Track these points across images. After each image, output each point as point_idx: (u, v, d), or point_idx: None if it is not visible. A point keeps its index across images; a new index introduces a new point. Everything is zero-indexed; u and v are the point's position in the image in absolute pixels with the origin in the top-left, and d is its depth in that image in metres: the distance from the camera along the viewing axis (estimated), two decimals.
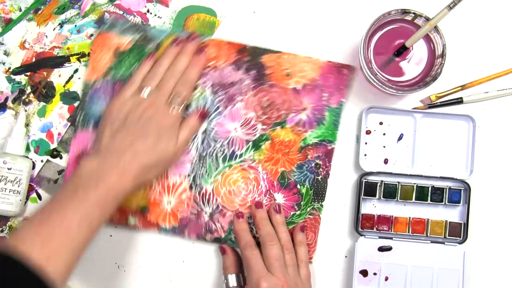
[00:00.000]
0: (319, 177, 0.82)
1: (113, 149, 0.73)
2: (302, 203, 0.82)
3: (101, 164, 0.71)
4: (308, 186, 0.82)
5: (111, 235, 0.83)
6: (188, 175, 0.82)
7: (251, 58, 0.83)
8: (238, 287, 0.79)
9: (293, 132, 0.83)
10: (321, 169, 0.82)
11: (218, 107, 0.83)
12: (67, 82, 0.84)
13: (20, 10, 0.85)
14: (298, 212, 0.82)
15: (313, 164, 0.82)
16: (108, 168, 0.70)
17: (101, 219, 0.68)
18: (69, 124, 0.84)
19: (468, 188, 0.81)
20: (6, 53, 0.84)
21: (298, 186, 0.82)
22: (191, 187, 0.82)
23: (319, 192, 0.82)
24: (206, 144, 0.82)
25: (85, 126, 0.82)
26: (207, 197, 0.82)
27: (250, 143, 0.83)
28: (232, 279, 0.80)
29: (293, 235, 0.81)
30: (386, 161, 0.82)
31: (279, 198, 0.82)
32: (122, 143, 0.73)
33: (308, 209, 0.82)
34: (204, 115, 0.82)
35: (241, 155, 0.83)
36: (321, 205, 0.82)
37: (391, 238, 0.82)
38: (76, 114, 0.83)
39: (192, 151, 0.82)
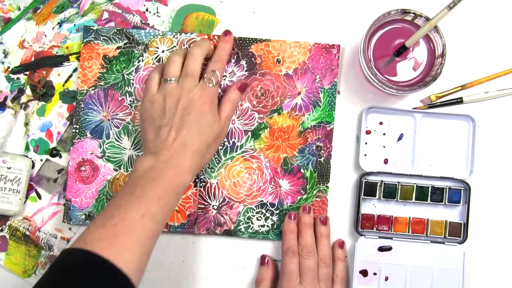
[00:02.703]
0: (322, 159, 0.83)
1: (162, 146, 0.73)
2: (307, 186, 0.82)
3: (155, 162, 0.71)
4: (312, 169, 0.82)
5: None
6: None
7: (239, 50, 0.83)
8: None
9: (291, 117, 0.83)
10: (322, 151, 0.83)
11: None
12: (66, 81, 0.84)
13: (19, 9, 0.85)
14: (304, 196, 0.82)
15: (314, 147, 0.83)
16: (162, 166, 0.71)
17: (164, 213, 0.69)
18: (68, 123, 0.84)
19: (468, 188, 0.81)
20: (5, 52, 0.84)
21: (302, 170, 0.83)
22: (195, 183, 0.82)
23: (323, 174, 0.82)
24: None
25: (82, 136, 0.83)
26: (212, 191, 0.82)
27: (249, 133, 0.83)
28: None
29: (332, 250, 0.81)
30: (386, 161, 0.82)
31: (284, 184, 0.82)
32: (169, 138, 0.73)
33: (314, 192, 0.82)
34: (243, 86, 0.81)
35: (241, 146, 0.83)
36: (327, 187, 0.82)
37: (391, 238, 0.82)
38: (72, 124, 0.83)
39: None
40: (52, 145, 0.84)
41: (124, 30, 0.83)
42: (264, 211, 0.83)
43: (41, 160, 0.84)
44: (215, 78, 0.76)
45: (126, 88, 0.83)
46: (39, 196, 0.83)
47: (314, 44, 0.83)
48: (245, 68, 0.83)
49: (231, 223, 0.83)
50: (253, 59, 0.83)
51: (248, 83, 0.82)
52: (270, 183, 0.83)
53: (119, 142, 0.83)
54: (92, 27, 0.83)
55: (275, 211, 0.82)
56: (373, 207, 0.83)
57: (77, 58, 0.84)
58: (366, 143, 0.83)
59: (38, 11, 0.85)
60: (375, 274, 0.82)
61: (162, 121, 0.74)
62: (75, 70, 0.84)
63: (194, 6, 0.85)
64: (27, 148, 0.83)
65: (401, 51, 0.79)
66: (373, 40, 0.80)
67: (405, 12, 0.77)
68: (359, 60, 0.78)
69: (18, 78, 0.84)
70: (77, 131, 0.83)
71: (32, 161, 0.83)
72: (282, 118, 0.83)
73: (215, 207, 0.83)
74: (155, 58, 0.83)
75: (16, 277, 0.83)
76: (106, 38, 0.83)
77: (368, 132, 0.83)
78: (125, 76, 0.83)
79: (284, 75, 0.83)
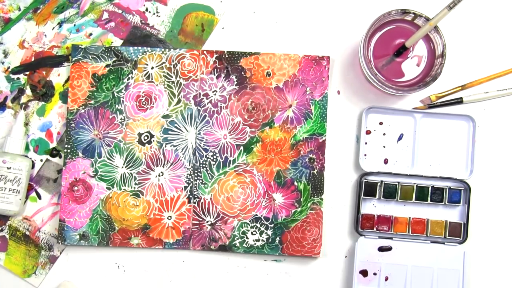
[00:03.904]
0: (315, 171, 0.82)
1: None
2: (301, 199, 0.82)
3: None
4: (305, 182, 0.82)
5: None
6: (185, 188, 0.82)
7: (229, 64, 0.83)
8: None
9: (282, 130, 0.83)
10: (315, 163, 0.82)
11: (204, 117, 0.83)
12: (66, 81, 0.84)
13: (19, 9, 0.85)
14: (299, 209, 0.82)
15: (307, 159, 0.82)
16: None
17: None
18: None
19: (468, 188, 0.81)
20: (5, 52, 0.84)
21: (296, 183, 0.82)
22: (189, 199, 0.82)
23: (317, 186, 0.82)
24: (198, 155, 0.83)
25: (73, 155, 0.82)
26: (206, 206, 0.82)
27: (241, 148, 0.83)
28: None
29: None
30: (386, 161, 0.82)
31: (278, 197, 0.82)
32: None
33: (309, 204, 0.82)
34: None
35: (234, 161, 0.83)
36: (321, 199, 0.82)
37: (391, 238, 0.82)
38: (64, 144, 0.83)
39: (185, 164, 0.82)
40: (52, 145, 0.84)
41: (113, 47, 0.83)
42: (258, 225, 0.82)
43: (41, 160, 0.84)
44: None
45: (117, 106, 0.83)
46: (39, 196, 0.83)
47: (303, 56, 0.83)
48: (235, 83, 0.83)
49: (226, 238, 0.82)
50: (243, 73, 0.83)
51: None
52: (264, 197, 0.83)
53: (111, 160, 0.83)
54: (80, 46, 0.83)
55: (269, 225, 0.82)
56: (373, 207, 0.83)
57: None
58: (366, 143, 0.83)
59: (38, 11, 0.85)
60: (375, 274, 0.82)
61: None
62: None
63: (194, 6, 0.85)
64: (27, 148, 0.83)
65: (401, 51, 0.79)
66: (373, 40, 0.80)
67: (405, 12, 0.77)
68: (359, 60, 0.78)
69: (18, 78, 0.84)
70: (68, 151, 0.82)
71: (32, 161, 0.83)
72: (274, 131, 0.83)
73: (210, 222, 0.82)
74: (145, 75, 0.83)
75: (16, 277, 0.83)
76: (94, 56, 0.83)
77: (368, 132, 0.83)
78: (115, 94, 0.83)
79: (275, 88, 0.83)
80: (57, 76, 0.84)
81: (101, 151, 0.83)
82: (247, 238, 0.82)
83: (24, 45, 0.84)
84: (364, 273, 0.82)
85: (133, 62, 0.83)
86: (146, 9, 0.85)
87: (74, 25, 0.85)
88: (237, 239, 0.82)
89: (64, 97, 0.84)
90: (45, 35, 0.85)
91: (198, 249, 0.82)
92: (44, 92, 0.84)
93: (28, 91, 0.84)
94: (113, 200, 0.82)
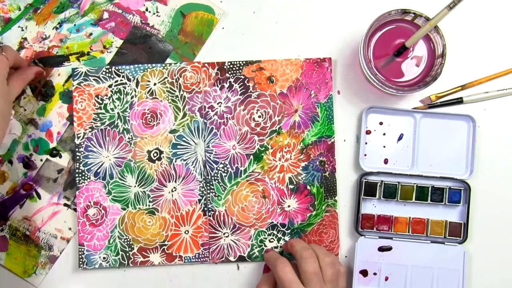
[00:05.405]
0: (327, 173, 0.83)
1: None
2: (316, 202, 0.82)
3: None
4: (318, 185, 0.82)
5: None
6: (199, 201, 0.82)
7: (231, 74, 0.83)
8: None
9: (291, 135, 0.83)
10: (326, 165, 0.83)
11: (211, 129, 0.83)
12: (66, 81, 0.84)
13: (19, 9, 0.85)
14: (314, 213, 0.82)
15: (317, 162, 0.83)
16: None
17: None
18: (68, 123, 0.84)
19: (468, 188, 0.81)
20: None
21: (308, 187, 0.82)
22: (204, 212, 0.82)
23: (330, 188, 0.82)
24: (209, 168, 0.83)
25: (86, 179, 0.82)
26: (222, 218, 0.82)
27: (251, 157, 0.83)
28: None
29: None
30: (386, 161, 0.82)
31: (293, 203, 0.82)
32: None
33: (323, 207, 0.82)
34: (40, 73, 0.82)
35: (245, 170, 0.83)
36: (335, 200, 0.83)
37: (391, 238, 0.82)
38: (74, 170, 0.83)
39: (197, 177, 0.82)
40: (52, 145, 0.84)
41: (114, 68, 0.83)
42: (275, 232, 0.83)
43: (41, 160, 0.83)
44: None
45: (123, 125, 0.83)
46: (39, 196, 0.83)
47: (305, 59, 0.83)
48: (239, 92, 0.83)
49: (244, 248, 0.82)
50: (246, 82, 0.83)
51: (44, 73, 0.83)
52: (278, 204, 0.83)
53: (123, 180, 0.83)
54: (80, 69, 0.83)
55: (286, 231, 0.83)
56: (373, 207, 0.83)
57: (77, 58, 0.84)
58: (366, 143, 0.83)
59: (39, 11, 0.85)
60: (375, 274, 0.82)
61: None
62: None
63: (193, 5, 0.85)
64: (27, 148, 0.83)
65: (401, 51, 0.79)
66: (373, 40, 0.80)
67: (405, 12, 0.77)
68: (359, 60, 0.78)
69: None
70: (80, 175, 0.83)
71: (32, 161, 0.83)
72: (282, 137, 0.83)
73: (227, 234, 0.82)
74: (148, 92, 0.83)
75: (16, 277, 0.83)
76: (96, 78, 0.83)
77: (368, 132, 0.83)
78: (120, 114, 0.83)
79: (279, 94, 0.83)
80: (57, 76, 0.84)
81: (112, 172, 0.83)
82: (265, 246, 0.82)
83: (24, 45, 0.84)
84: (364, 273, 0.82)
85: (135, 80, 0.83)
86: (146, 9, 0.85)
87: (74, 25, 0.85)
88: (256, 248, 0.82)
89: (64, 97, 0.84)
90: (45, 35, 0.85)
91: (218, 262, 0.82)
92: (44, 92, 0.84)
93: (28, 91, 0.84)
94: (130, 220, 0.82)
